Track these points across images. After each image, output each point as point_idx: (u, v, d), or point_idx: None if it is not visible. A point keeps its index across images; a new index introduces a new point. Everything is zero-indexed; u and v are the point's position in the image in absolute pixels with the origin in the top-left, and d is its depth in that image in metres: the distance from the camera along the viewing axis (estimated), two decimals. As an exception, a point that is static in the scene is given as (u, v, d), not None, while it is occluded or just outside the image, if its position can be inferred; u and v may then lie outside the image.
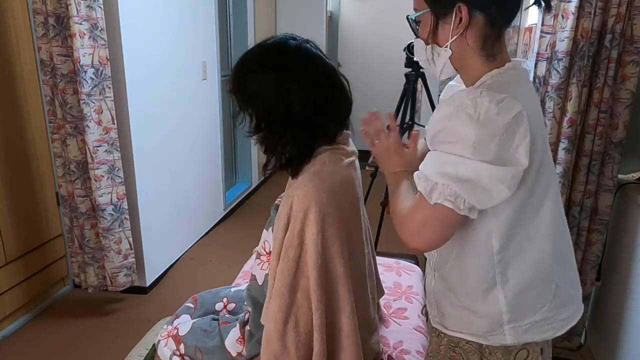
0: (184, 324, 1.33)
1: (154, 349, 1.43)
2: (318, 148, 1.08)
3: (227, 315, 1.36)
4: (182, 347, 1.28)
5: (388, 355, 1.32)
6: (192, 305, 1.43)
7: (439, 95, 1.31)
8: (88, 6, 2.01)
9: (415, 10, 0.90)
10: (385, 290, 1.56)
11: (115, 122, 2.20)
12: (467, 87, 0.90)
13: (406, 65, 2.50)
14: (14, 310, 2.21)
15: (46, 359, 2.05)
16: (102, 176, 2.19)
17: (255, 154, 4.10)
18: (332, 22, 5.21)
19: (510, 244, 0.87)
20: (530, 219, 0.87)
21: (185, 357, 1.28)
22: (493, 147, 0.76)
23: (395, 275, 1.72)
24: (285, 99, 1.02)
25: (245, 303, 1.26)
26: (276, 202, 1.12)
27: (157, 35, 2.55)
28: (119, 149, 2.23)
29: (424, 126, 2.23)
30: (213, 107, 3.36)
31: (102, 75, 2.11)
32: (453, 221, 0.82)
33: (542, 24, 1.69)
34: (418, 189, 0.83)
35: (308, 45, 1.08)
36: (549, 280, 0.91)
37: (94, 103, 2.10)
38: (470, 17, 0.83)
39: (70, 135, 2.19)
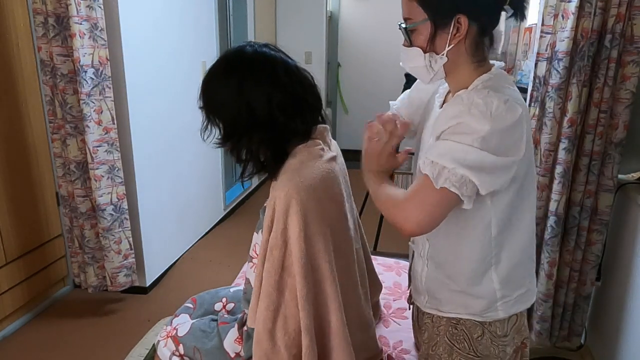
0: (183, 324, 1.33)
1: (153, 349, 1.43)
2: (292, 147, 1.09)
3: (226, 316, 1.36)
4: (181, 347, 1.28)
5: (388, 355, 1.32)
6: (191, 306, 1.43)
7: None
8: (88, 6, 2.01)
9: (408, 19, 0.95)
10: (385, 290, 1.56)
11: (115, 122, 2.20)
12: (453, 90, 0.99)
13: (406, 65, 2.50)
14: (14, 310, 2.21)
15: (46, 359, 2.05)
16: (102, 176, 2.19)
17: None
18: (332, 22, 5.21)
19: (505, 229, 0.97)
20: (520, 205, 0.97)
21: (185, 358, 1.28)
22: (498, 140, 0.85)
23: (395, 275, 1.72)
24: (248, 105, 1.05)
25: (242, 305, 1.26)
26: (265, 204, 1.12)
27: (157, 35, 2.55)
28: (119, 149, 2.23)
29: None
30: (213, 107, 3.36)
31: (102, 75, 2.11)
32: (450, 206, 0.89)
33: (542, 24, 1.69)
34: (424, 172, 0.89)
35: (265, 49, 1.10)
36: (531, 256, 1.05)
37: (94, 103, 2.10)
38: (468, 26, 0.90)
39: (70, 135, 2.19)
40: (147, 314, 2.37)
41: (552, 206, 1.75)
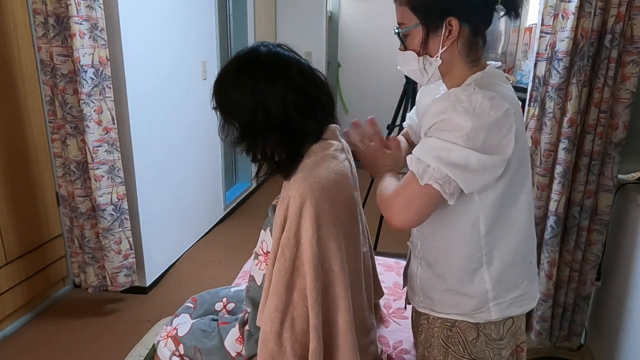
0: (183, 324, 1.33)
1: (154, 349, 1.43)
2: (307, 147, 1.09)
3: (226, 316, 1.36)
4: (181, 347, 1.28)
5: (388, 355, 1.32)
6: (191, 306, 1.43)
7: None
8: (88, 6, 2.01)
9: (401, 23, 0.97)
10: (385, 290, 1.56)
11: (115, 122, 2.20)
12: (449, 89, 0.99)
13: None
14: (14, 310, 2.21)
15: (46, 359, 2.05)
16: (102, 176, 2.19)
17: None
18: (332, 22, 5.21)
19: (495, 227, 0.97)
20: (511, 204, 0.97)
21: (185, 358, 1.28)
22: (483, 138, 0.85)
23: (395, 275, 1.72)
24: (263, 106, 1.05)
25: (245, 303, 1.26)
26: (273, 202, 1.12)
27: (157, 35, 2.55)
28: (119, 149, 2.23)
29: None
30: (213, 107, 3.36)
31: (102, 75, 2.11)
32: (435, 202, 0.90)
33: (542, 24, 1.69)
34: (410, 169, 0.91)
35: (279, 49, 1.10)
36: (526, 258, 1.03)
37: (94, 103, 2.10)
38: (460, 28, 0.92)
39: (70, 135, 2.19)
40: (147, 314, 2.37)
41: (552, 206, 1.75)
